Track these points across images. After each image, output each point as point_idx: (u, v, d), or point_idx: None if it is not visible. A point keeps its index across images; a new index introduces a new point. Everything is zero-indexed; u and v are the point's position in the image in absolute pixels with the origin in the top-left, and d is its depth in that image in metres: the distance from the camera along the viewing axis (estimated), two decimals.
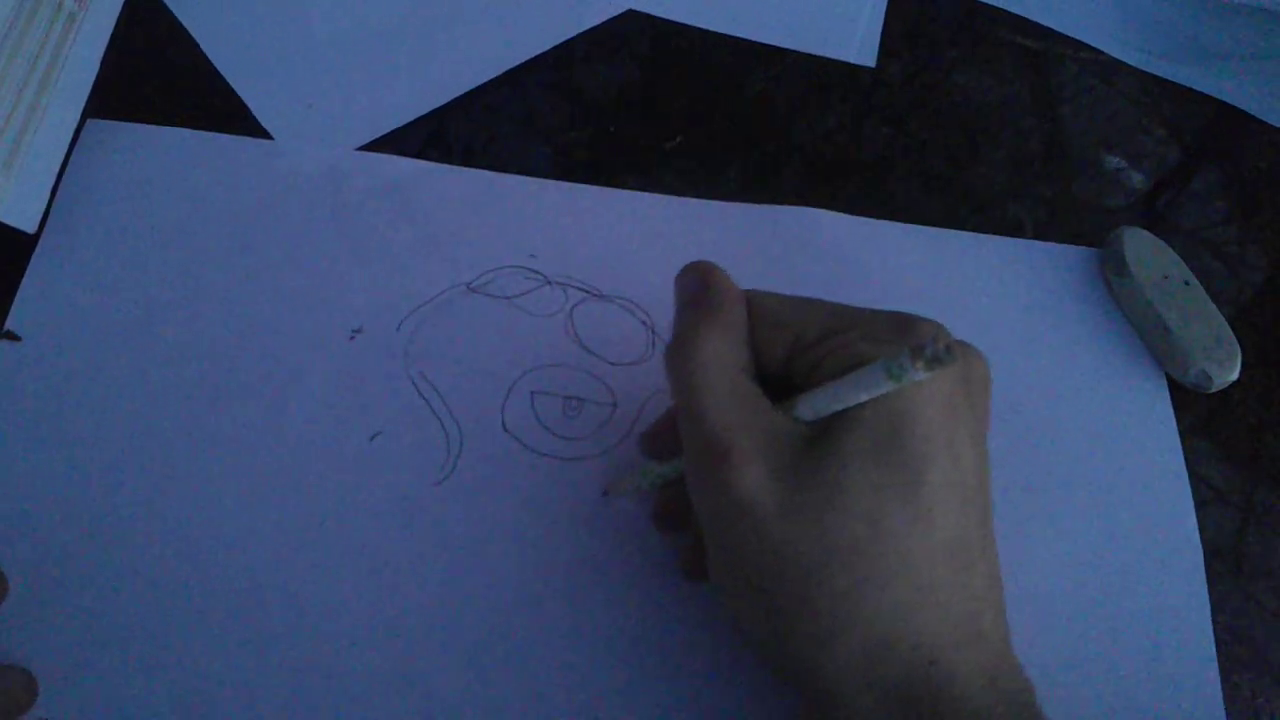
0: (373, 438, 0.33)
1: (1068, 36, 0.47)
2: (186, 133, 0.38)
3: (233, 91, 0.39)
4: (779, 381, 0.26)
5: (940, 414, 0.24)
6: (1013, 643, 0.26)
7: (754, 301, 0.27)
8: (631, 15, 0.44)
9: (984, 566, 0.25)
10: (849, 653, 0.23)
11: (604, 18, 0.44)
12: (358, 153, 0.38)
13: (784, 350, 0.26)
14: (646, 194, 0.39)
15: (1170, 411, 0.37)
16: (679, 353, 0.26)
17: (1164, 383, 0.37)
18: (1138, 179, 0.43)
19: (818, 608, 0.23)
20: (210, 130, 0.38)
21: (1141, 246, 0.38)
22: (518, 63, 0.42)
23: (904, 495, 0.23)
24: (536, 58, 0.42)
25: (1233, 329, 0.37)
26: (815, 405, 0.24)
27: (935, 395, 0.24)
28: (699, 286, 0.27)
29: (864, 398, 0.23)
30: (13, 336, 0.33)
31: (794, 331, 0.26)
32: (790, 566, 0.23)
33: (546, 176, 0.39)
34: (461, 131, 0.40)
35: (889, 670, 0.23)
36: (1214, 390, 0.36)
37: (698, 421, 0.25)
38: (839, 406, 0.24)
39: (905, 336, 0.25)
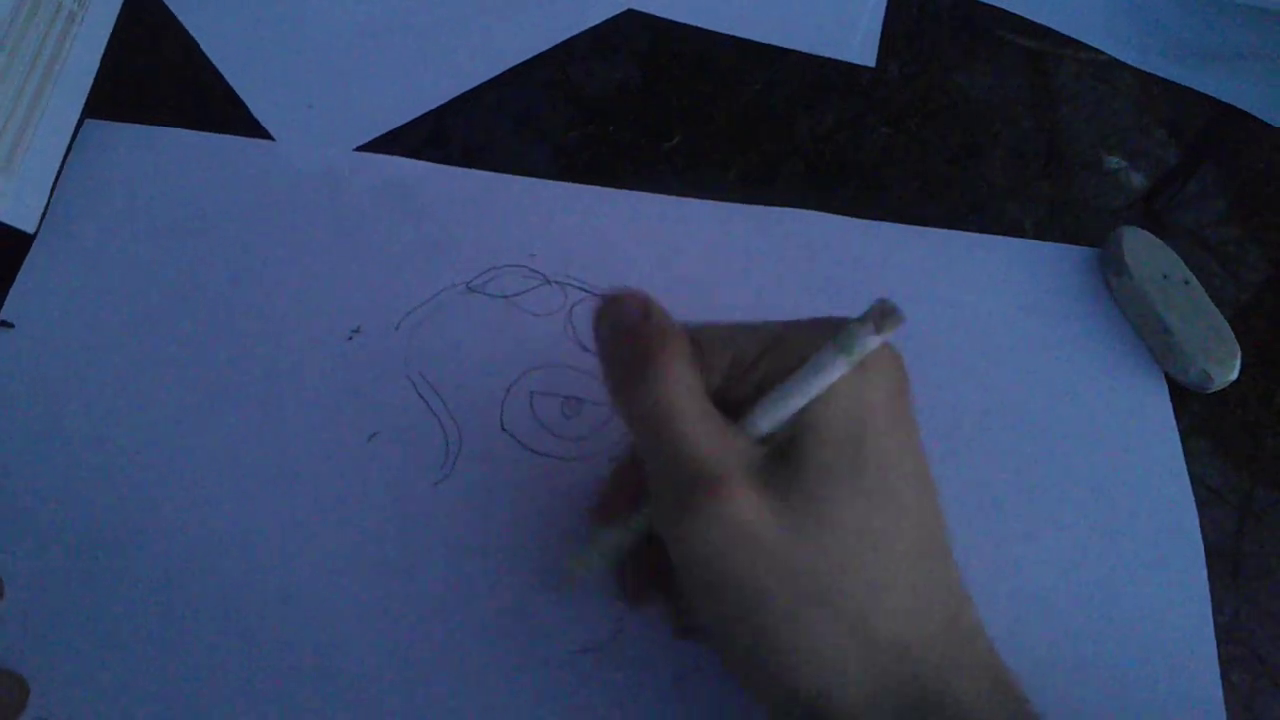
0: (371, 437, 0.33)
1: (1067, 36, 0.47)
2: (185, 133, 0.38)
3: (232, 91, 0.39)
4: (718, 408, 0.25)
5: (888, 415, 0.24)
6: (1012, 642, 0.25)
7: (690, 331, 0.25)
8: (631, 15, 0.44)
9: (952, 560, 0.25)
10: (863, 673, 0.23)
11: (603, 17, 0.44)
12: (357, 153, 0.38)
13: (721, 376, 0.25)
14: (646, 194, 0.39)
15: (1170, 411, 0.36)
16: (637, 388, 0.24)
17: (1163, 383, 0.37)
18: (1137, 179, 0.43)
19: (827, 630, 0.23)
20: (210, 130, 0.38)
21: (1141, 246, 0.38)
22: (517, 62, 0.42)
23: (882, 499, 0.23)
24: (536, 57, 0.42)
25: (1232, 329, 0.37)
26: (772, 410, 0.24)
27: (880, 396, 0.24)
28: (639, 315, 0.25)
29: (821, 385, 0.23)
30: (6, 325, 0.33)
31: (730, 355, 0.25)
32: (793, 591, 0.23)
33: (546, 176, 0.39)
34: (461, 131, 0.40)
35: (901, 684, 0.23)
36: (1213, 390, 0.36)
37: (675, 454, 0.23)
38: (799, 402, 0.23)
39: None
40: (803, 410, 0.23)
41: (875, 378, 0.24)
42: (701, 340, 0.25)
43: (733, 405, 0.25)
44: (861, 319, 0.21)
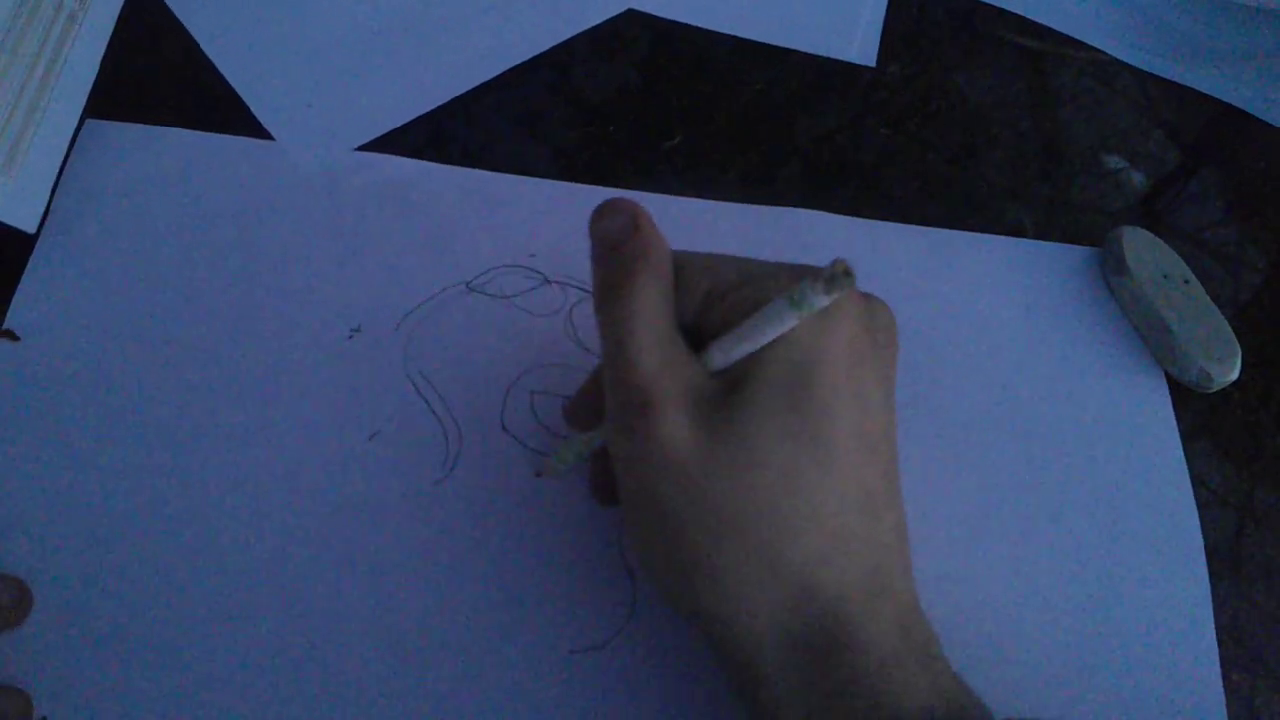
0: (371, 437, 0.33)
1: (1067, 36, 0.47)
2: (185, 133, 0.38)
3: (232, 91, 0.39)
4: (690, 335, 0.26)
5: (845, 360, 0.24)
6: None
7: (674, 256, 0.26)
8: (631, 15, 0.44)
9: (891, 517, 0.25)
10: (767, 606, 0.24)
11: (604, 17, 0.44)
12: (357, 153, 0.38)
13: (697, 303, 0.26)
14: (646, 194, 0.39)
15: (1170, 411, 0.36)
16: (610, 299, 0.25)
17: (1164, 382, 0.37)
18: (1137, 179, 0.43)
19: (735, 559, 0.23)
20: (210, 130, 0.38)
21: (1141, 245, 0.38)
22: (517, 62, 0.42)
23: (813, 445, 0.24)
24: (536, 57, 0.42)
25: (1232, 329, 0.37)
26: (725, 349, 0.24)
27: (839, 341, 0.24)
28: (627, 228, 0.26)
29: (771, 334, 0.24)
30: (12, 336, 0.33)
31: (708, 284, 0.26)
32: (710, 517, 0.23)
33: (546, 176, 0.39)
34: (461, 131, 0.40)
35: (806, 622, 0.24)
36: (1214, 390, 0.36)
37: (627, 371, 0.24)
38: (749, 347, 0.24)
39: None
40: (759, 350, 0.24)
41: (837, 329, 0.24)
42: (683, 265, 0.26)
43: (706, 333, 0.26)
44: (814, 277, 0.22)
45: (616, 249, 0.26)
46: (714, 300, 0.26)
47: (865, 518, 0.24)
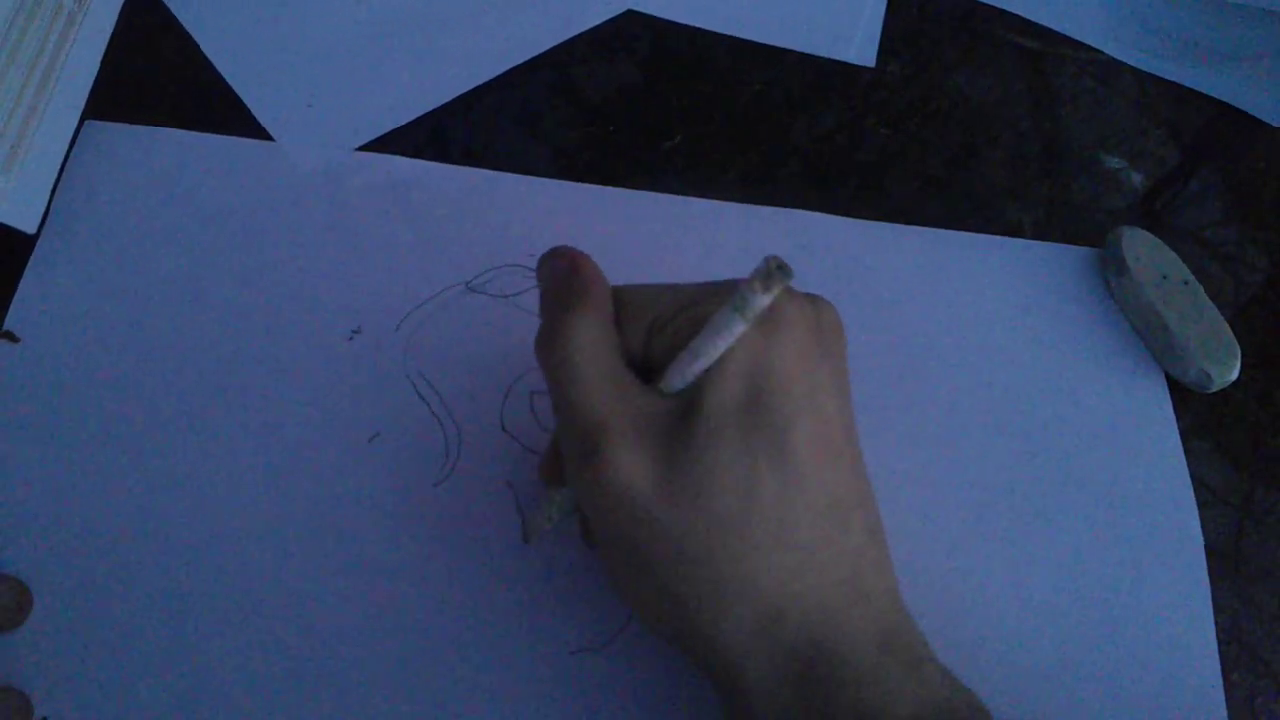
0: (371, 438, 0.33)
1: (1067, 36, 0.47)
2: (185, 133, 0.38)
3: (232, 91, 0.39)
4: (639, 367, 0.26)
5: (797, 367, 0.24)
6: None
7: (616, 292, 0.26)
8: (631, 15, 0.44)
9: (861, 520, 0.25)
10: (742, 624, 0.24)
11: (603, 18, 0.44)
12: (357, 153, 0.38)
13: (642, 335, 0.26)
14: (646, 193, 0.39)
15: (1170, 411, 0.37)
16: (550, 341, 0.25)
17: (1164, 383, 0.37)
18: (1137, 179, 0.43)
19: (707, 584, 0.23)
20: (210, 130, 0.38)
21: (1141, 246, 0.38)
22: (517, 63, 0.42)
23: (772, 458, 0.23)
24: (536, 58, 0.42)
25: (1232, 329, 0.37)
26: (681, 369, 0.24)
27: (788, 349, 0.24)
28: (565, 272, 0.26)
29: (723, 345, 0.23)
30: (12, 337, 0.33)
31: (650, 315, 0.26)
32: (674, 547, 0.23)
33: (546, 176, 0.39)
34: (461, 132, 0.40)
35: (783, 637, 0.24)
36: (1213, 390, 0.36)
37: (571, 412, 0.24)
38: (704, 363, 0.24)
39: None
40: (708, 370, 0.24)
41: (783, 338, 0.24)
42: (625, 301, 0.26)
43: (654, 363, 0.26)
44: (750, 279, 0.22)
45: (555, 290, 0.26)
46: (657, 330, 0.26)
47: (834, 525, 0.24)
